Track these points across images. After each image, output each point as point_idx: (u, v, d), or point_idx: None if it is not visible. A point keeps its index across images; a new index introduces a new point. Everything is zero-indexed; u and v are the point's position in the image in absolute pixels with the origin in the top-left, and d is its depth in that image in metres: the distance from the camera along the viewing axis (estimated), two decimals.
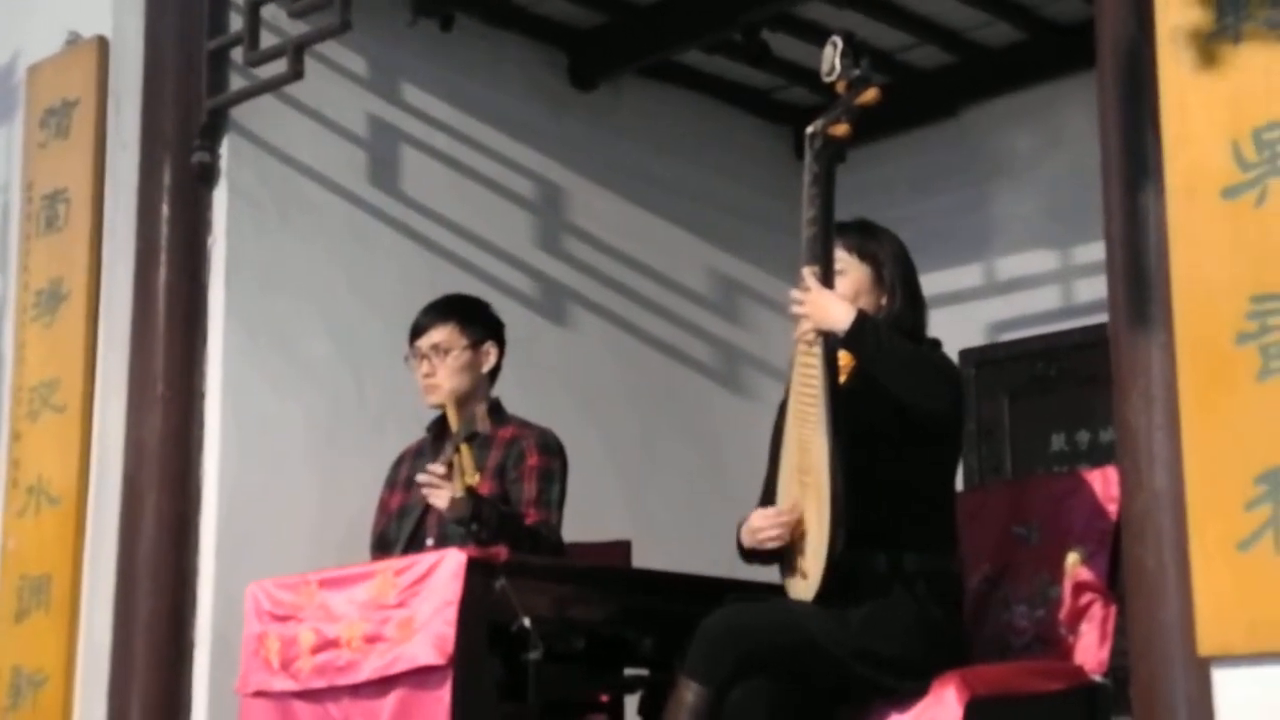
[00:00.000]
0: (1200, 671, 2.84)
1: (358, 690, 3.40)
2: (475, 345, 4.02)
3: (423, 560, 3.39)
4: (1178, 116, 2.94)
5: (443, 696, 3.26)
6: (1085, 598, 3.53)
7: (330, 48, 4.52)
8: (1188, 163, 2.92)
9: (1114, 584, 3.46)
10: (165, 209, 4.39)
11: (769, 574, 3.44)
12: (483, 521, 3.64)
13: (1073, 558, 3.56)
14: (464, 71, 5.00)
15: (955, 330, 4.88)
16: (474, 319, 4.06)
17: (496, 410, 4.01)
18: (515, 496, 3.87)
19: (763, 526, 3.32)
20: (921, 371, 3.26)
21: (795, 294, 3.31)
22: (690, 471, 5.29)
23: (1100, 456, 4.92)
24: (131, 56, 4.51)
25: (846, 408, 3.25)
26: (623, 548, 4.30)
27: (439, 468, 3.69)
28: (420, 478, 3.74)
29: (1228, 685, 2.81)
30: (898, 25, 5.20)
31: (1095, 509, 3.57)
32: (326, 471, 4.45)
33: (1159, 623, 2.91)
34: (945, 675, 3.20)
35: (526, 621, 3.30)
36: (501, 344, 4.08)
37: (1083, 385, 5.15)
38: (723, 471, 5.16)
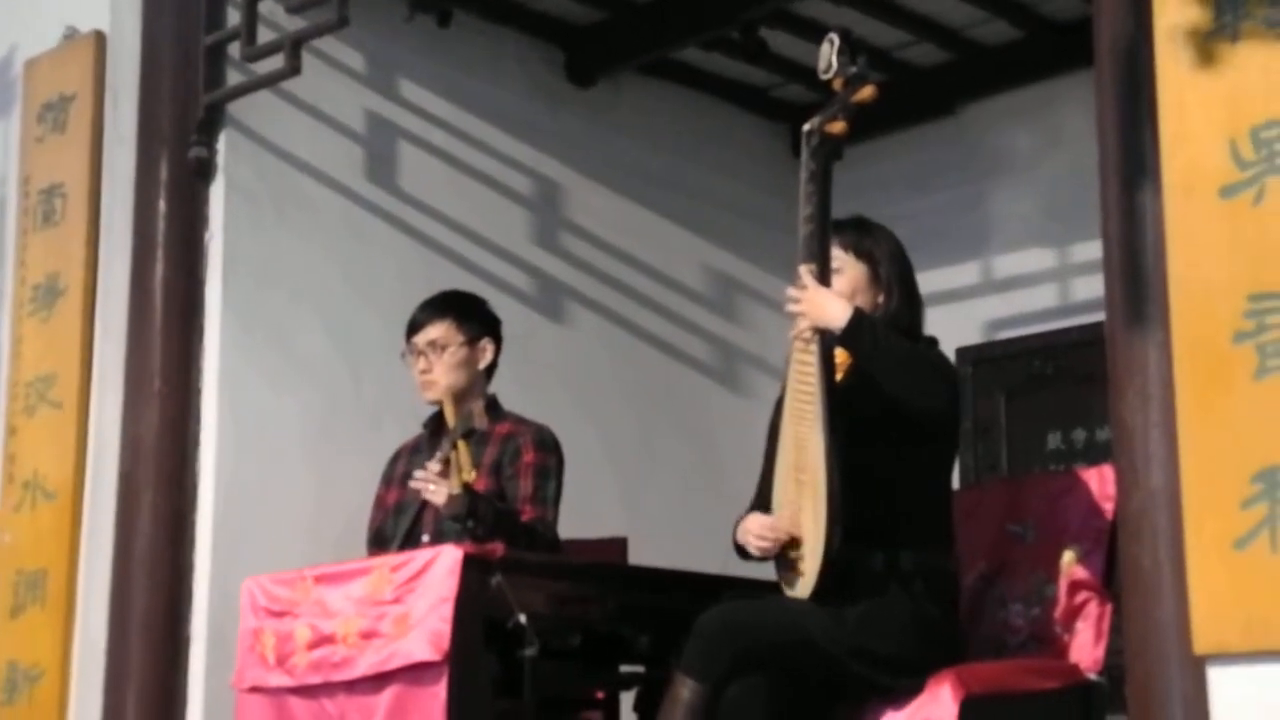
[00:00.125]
0: (1196, 670, 2.84)
1: (353, 686, 3.40)
2: (472, 342, 4.02)
3: (419, 556, 3.39)
4: (1175, 115, 2.94)
5: (438, 693, 3.26)
6: (1081, 596, 3.53)
7: (328, 43, 4.52)
8: (1185, 161, 2.92)
9: (1110, 582, 3.46)
10: (162, 204, 4.38)
11: (765, 571, 3.44)
12: (479, 518, 3.64)
13: (1068, 556, 3.56)
14: (461, 68, 5.00)
15: (952, 328, 4.89)
16: (471, 315, 4.06)
17: (493, 407, 4.01)
18: (511, 493, 3.87)
19: (758, 533, 3.31)
20: (918, 369, 3.27)
21: (792, 291, 3.30)
22: (686, 468, 5.29)
23: (1097, 455, 4.92)
24: (129, 51, 4.51)
25: (843, 405, 3.25)
26: (619, 544, 4.30)
27: (435, 465, 3.69)
28: (416, 474, 3.74)
29: (1223, 684, 2.81)
30: (895, 23, 5.20)
31: (1091, 507, 3.57)
32: (323, 467, 4.44)
33: (1154, 621, 2.91)
34: (941, 673, 3.20)
35: (522, 618, 3.30)
36: (498, 340, 4.08)
37: (1079, 384, 5.15)
38: (719, 469, 5.16)
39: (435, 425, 3.99)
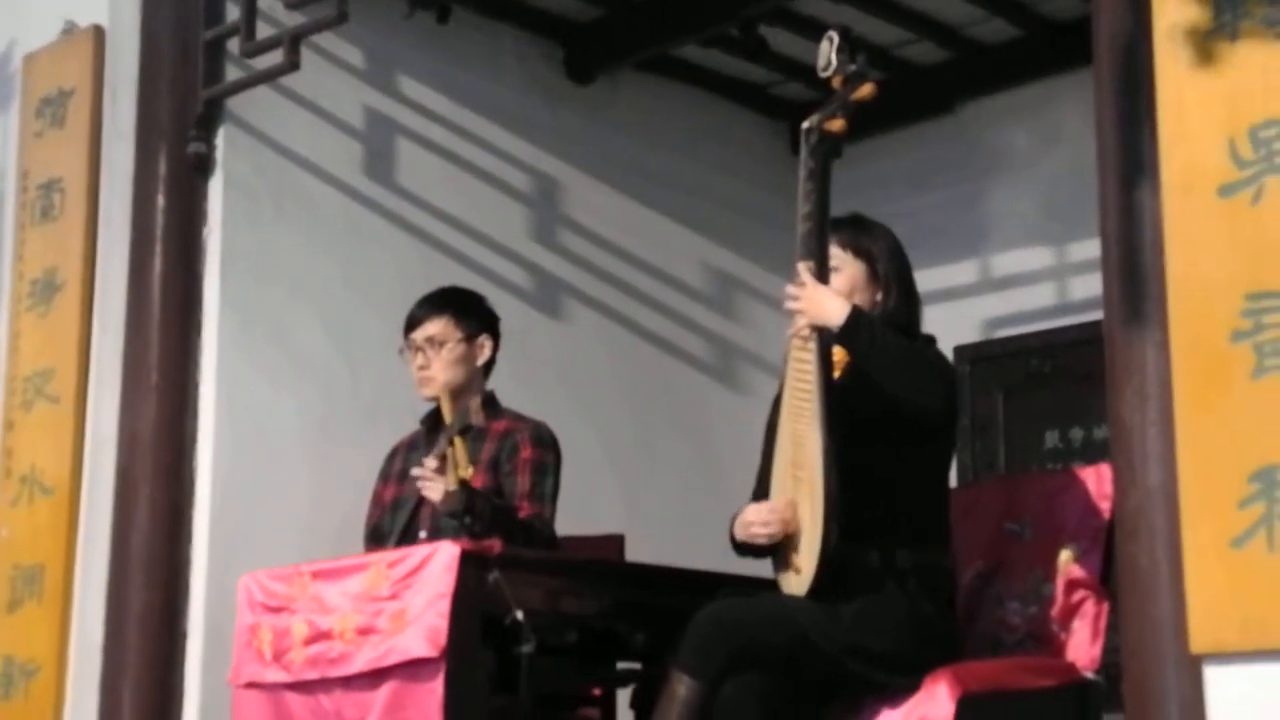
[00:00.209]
0: (1192, 669, 2.84)
1: (350, 682, 3.41)
2: (470, 338, 4.02)
3: (416, 553, 3.39)
4: (1174, 114, 2.94)
5: (435, 689, 3.26)
6: (1078, 595, 3.53)
7: (326, 39, 4.51)
8: (1184, 160, 2.92)
9: (1107, 581, 3.46)
10: (161, 199, 4.38)
11: (762, 568, 3.45)
12: (476, 514, 3.64)
13: (1065, 555, 3.56)
14: (460, 64, 5.00)
15: (950, 326, 4.89)
16: (469, 312, 4.06)
17: (491, 403, 4.01)
18: (509, 489, 3.87)
19: (754, 521, 3.32)
20: (915, 368, 3.26)
21: (790, 289, 3.30)
22: (684, 466, 5.29)
23: (1094, 454, 4.92)
24: (127, 46, 4.50)
25: (840, 403, 3.25)
26: (616, 541, 4.30)
27: (432, 461, 3.69)
28: (414, 471, 3.74)
29: (1220, 683, 2.81)
30: (895, 21, 5.20)
31: (1088, 506, 3.57)
32: (320, 463, 4.44)
33: (1151, 620, 2.91)
34: (937, 671, 3.20)
35: (519, 614, 3.30)
36: (496, 337, 4.08)
37: (1077, 382, 5.15)
38: (716, 466, 5.16)
39: (432, 421, 3.99)
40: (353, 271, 4.64)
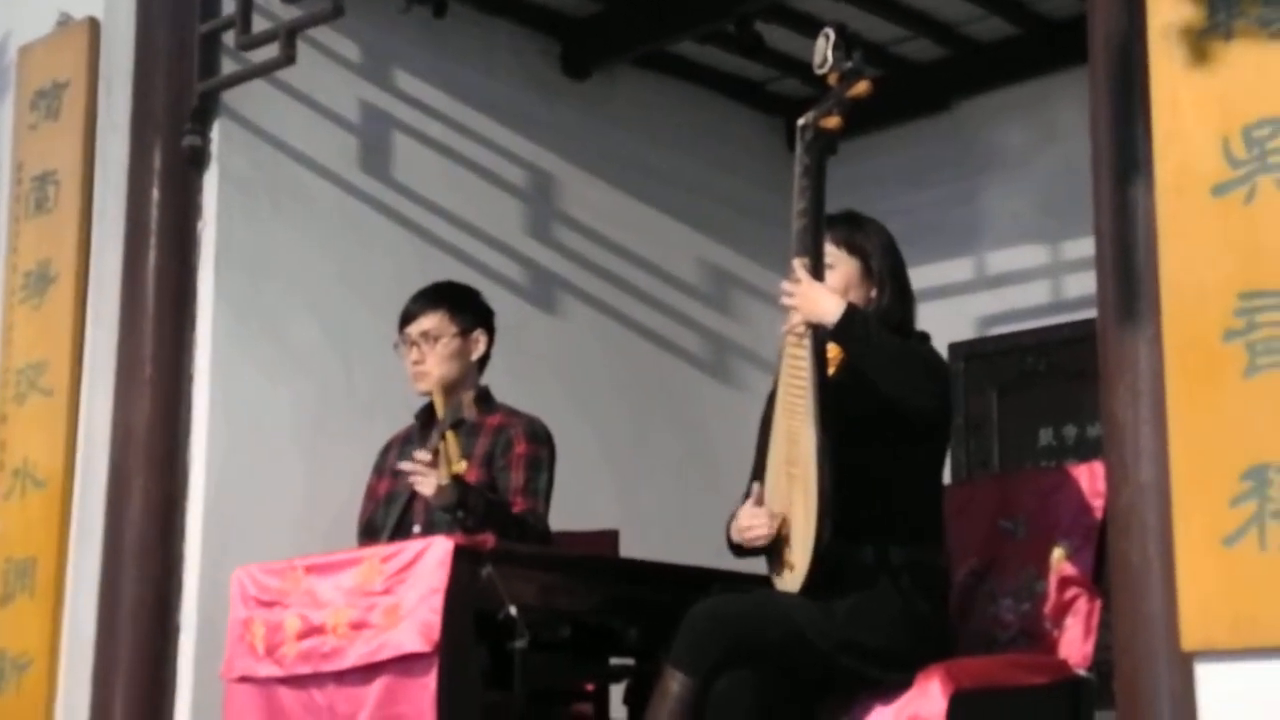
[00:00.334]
0: (1183, 666, 2.84)
1: (343, 677, 3.40)
2: (465, 333, 4.02)
3: (409, 547, 3.39)
4: (1169, 113, 2.94)
5: (428, 684, 3.26)
6: (1070, 592, 3.54)
7: (323, 33, 4.51)
8: (1178, 159, 2.92)
9: (1099, 578, 3.47)
10: (155, 192, 4.38)
11: (755, 565, 3.45)
12: (469, 509, 3.64)
13: (1058, 552, 3.57)
14: (457, 59, 5.00)
15: (945, 323, 4.90)
16: (464, 307, 4.05)
17: (485, 398, 4.01)
18: (503, 484, 3.87)
19: (750, 525, 3.32)
20: (909, 367, 3.27)
21: (785, 285, 3.30)
22: (679, 461, 5.30)
23: (1088, 451, 4.93)
24: (123, 39, 4.50)
25: (835, 400, 3.26)
26: (610, 537, 4.31)
27: (425, 454, 3.68)
28: (404, 465, 3.74)
29: (1211, 680, 2.81)
30: (891, 18, 5.21)
31: (1082, 504, 3.58)
32: (314, 457, 4.44)
33: (1143, 617, 2.91)
34: (930, 668, 3.21)
35: (513, 610, 3.30)
36: (491, 332, 4.08)
37: (1071, 380, 5.16)
38: (711, 462, 5.16)
39: (427, 416, 3.99)
40: (348, 266, 4.63)
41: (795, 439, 3.27)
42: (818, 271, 3.31)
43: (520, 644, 3.30)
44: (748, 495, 3.45)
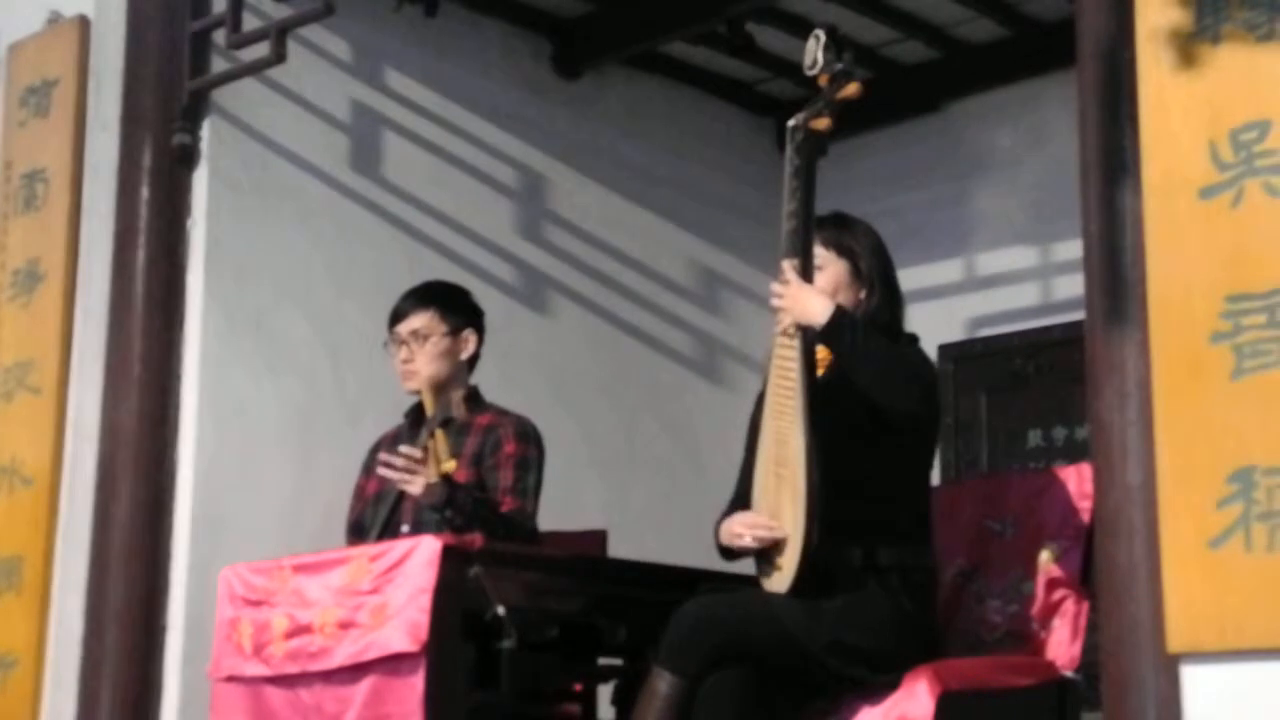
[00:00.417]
0: (1170, 668, 2.85)
1: (330, 676, 3.40)
2: (454, 332, 4.02)
3: (397, 547, 3.38)
4: (1156, 116, 2.95)
5: (415, 684, 3.26)
6: (1058, 593, 3.54)
7: (313, 31, 4.50)
8: (1166, 162, 2.93)
9: (1087, 580, 3.47)
10: (145, 190, 4.37)
11: (744, 565, 3.45)
12: (457, 508, 3.64)
13: (1046, 554, 3.57)
14: (448, 58, 4.99)
15: (934, 325, 4.91)
16: (454, 306, 4.05)
17: (474, 398, 4.01)
18: (491, 484, 3.86)
19: (741, 534, 3.32)
20: (896, 370, 3.27)
21: (775, 287, 3.31)
22: (667, 462, 5.30)
23: (1076, 453, 4.94)
24: (113, 36, 4.49)
25: (823, 401, 3.26)
26: (598, 537, 4.30)
27: (415, 451, 3.68)
28: (384, 459, 3.73)
29: (1197, 682, 2.82)
30: (882, 20, 5.21)
31: (1069, 505, 3.58)
32: (303, 456, 4.44)
33: (1130, 619, 2.92)
34: (917, 668, 3.21)
35: (500, 610, 3.29)
36: (481, 332, 4.08)
37: (1060, 382, 5.17)
38: (700, 462, 5.17)
39: (415, 415, 3.98)
40: (337, 265, 4.63)
41: (784, 440, 3.28)
42: (807, 273, 3.31)
43: (508, 644, 3.30)
44: (735, 497, 3.45)
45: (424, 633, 3.24)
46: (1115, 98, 3.02)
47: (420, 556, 3.30)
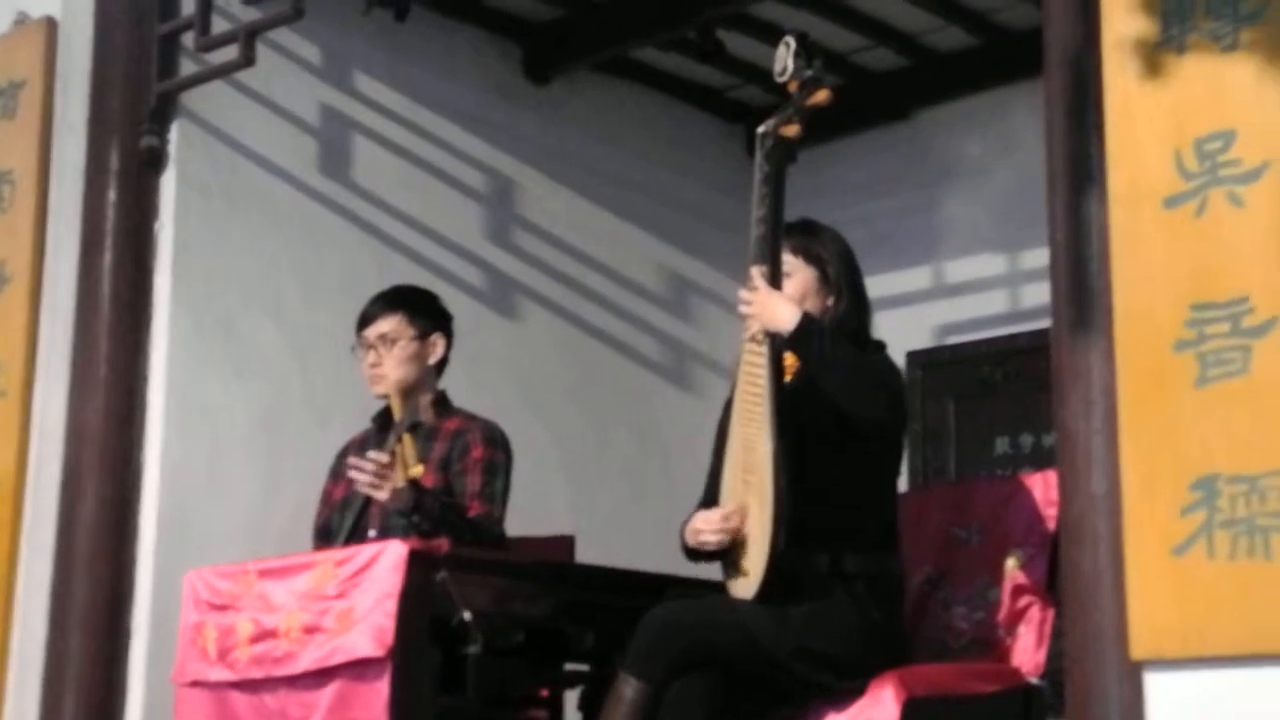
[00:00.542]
0: (1133, 675, 2.86)
1: (295, 681, 3.39)
2: (423, 336, 4.01)
3: (363, 551, 3.37)
4: (1122, 125, 2.96)
5: (381, 689, 3.25)
6: (1024, 600, 3.56)
7: (283, 35, 4.49)
8: (1131, 171, 2.94)
9: (1052, 587, 3.49)
10: (112, 193, 4.35)
11: (711, 571, 3.45)
12: (425, 513, 3.63)
13: (1012, 561, 3.58)
14: (417, 62, 4.99)
15: (903, 332, 4.92)
16: (422, 310, 4.04)
17: (442, 402, 4.00)
18: (459, 489, 3.86)
19: (703, 530, 3.32)
20: (863, 379, 3.28)
21: (743, 294, 3.31)
22: (636, 467, 5.30)
23: (1043, 460, 4.95)
24: (80, 38, 4.47)
25: (791, 408, 3.27)
26: (566, 542, 4.29)
27: (383, 457, 3.67)
28: (351, 464, 3.72)
29: (1160, 689, 2.83)
30: (852, 27, 5.23)
31: (1035, 513, 3.60)
32: (269, 460, 4.42)
33: (1094, 626, 2.93)
34: (883, 675, 3.22)
35: (467, 615, 3.29)
36: (449, 336, 4.07)
37: (1027, 389, 5.19)
38: (668, 467, 5.17)
39: (383, 420, 3.97)
40: (305, 268, 4.62)
41: (751, 446, 3.28)
42: (776, 279, 3.32)
43: (474, 649, 3.29)
44: (702, 503, 3.46)
45: (390, 638, 3.23)
46: (1081, 106, 3.03)
47: (386, 561, 3.29)
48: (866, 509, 3.38)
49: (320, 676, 3.34)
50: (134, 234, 4.35)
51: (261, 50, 4.24)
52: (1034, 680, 3.48)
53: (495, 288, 5.10)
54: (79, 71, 4.45)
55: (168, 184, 4.40)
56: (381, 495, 3.66)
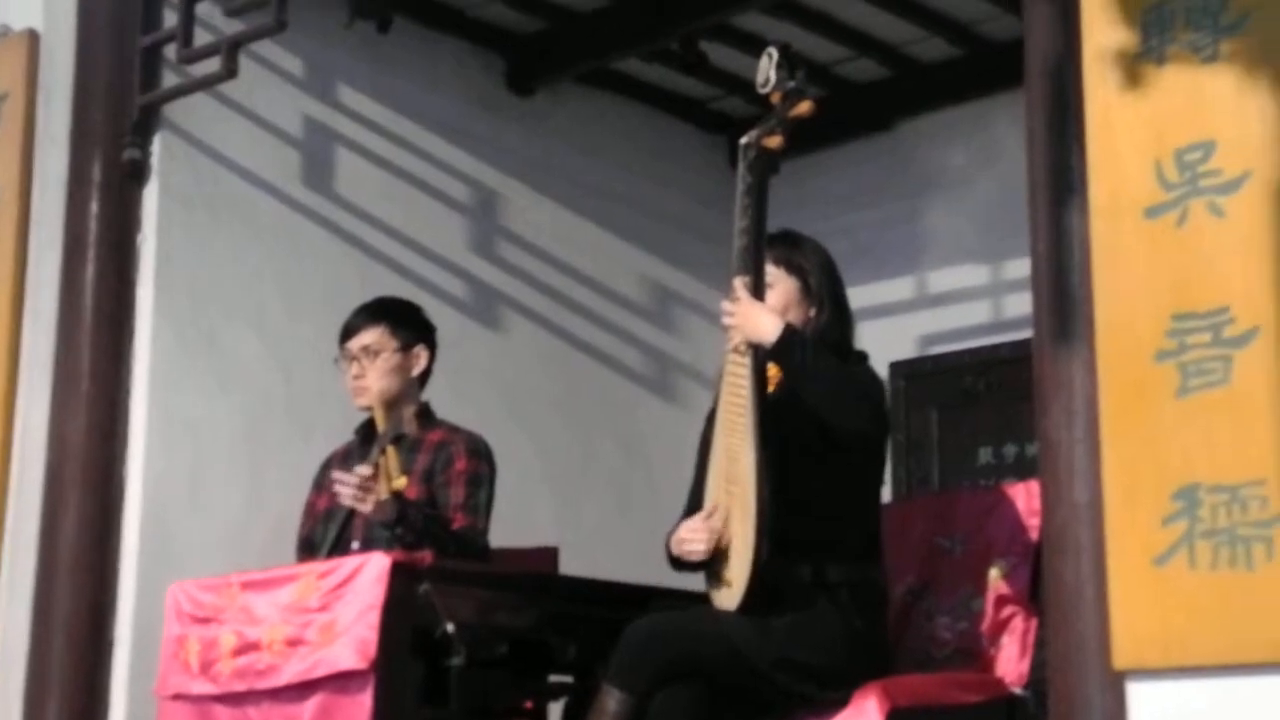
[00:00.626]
0: (1115, 685, 2.86)
1: (278, 694, 3.38)
2: (406, 348, 4.01)
3: (346, 564, 3.37)
4: (1103, 136, 2.97)
5: (364, 701, 3.24)
6: (1007, 610, 3.57)
7: (265, 47, 4.49)
8: (1112, 182, 2.95)
9: (1035, 597, 3.49)
10: (94, 205, 4.34)
11: (694, 582, 3.45)
12: (408, 525, 3.62)
13: (995, 571, 3.59)
14: (400, 74, 4.99)
15: (886, 343, 4.93)
16: (405, 322, 4.04)
17: (426, 414, 4.00)
18: (442, 500, 3.85)
19: (688, 538, 3.33)
20: (845, 390, 3.28)
21: (725, 305, 3.32)
22: (619, 478, 5.30)
23: (1027, 470, 4.95)
24: (63, 51, 4.46)
25: (774, 419, 3.27)
26: (550, 554, 4.30)
27: (367, 470, 3.67)
28: (335, 478, 3.72)
29: (1142, 699, 2.84)
30: (834, 38, 5.24)
31: (1018, 523, 3.61)
32: (252, 472, 4.42)
33: (1076, 636, 2.93)
34: (867, 685, 3.22)
35: (450, 627, 3.29)
36: (432, 348, 4.07)
37: (1010, 399, 5.19)
38: (651, 478, 5.17)
39: (367, 432, 3.97)
40: (288, 280, 4.61)
41: (735, 457, 3.28)
42: (759, 290, 3.32)
43: (458, 661, 3.29)
44: (685, 514, 3.46)
45: (373, 650, 3.23)
46: (1062, 117, 3.04)
47: (369, 573, 3.29)
48: (849, 519, 3.38)
49: (303, 689, 3.34)
50: (116, 246, 4.35)
51: (244, 62, 4.24)
52: (1017, 690, 3.48)
53: (479, 299, 5.10)
54: (61, 83, 4.45)
55: (150, 196, 4.40)
56: (365, 508, 3.66)
